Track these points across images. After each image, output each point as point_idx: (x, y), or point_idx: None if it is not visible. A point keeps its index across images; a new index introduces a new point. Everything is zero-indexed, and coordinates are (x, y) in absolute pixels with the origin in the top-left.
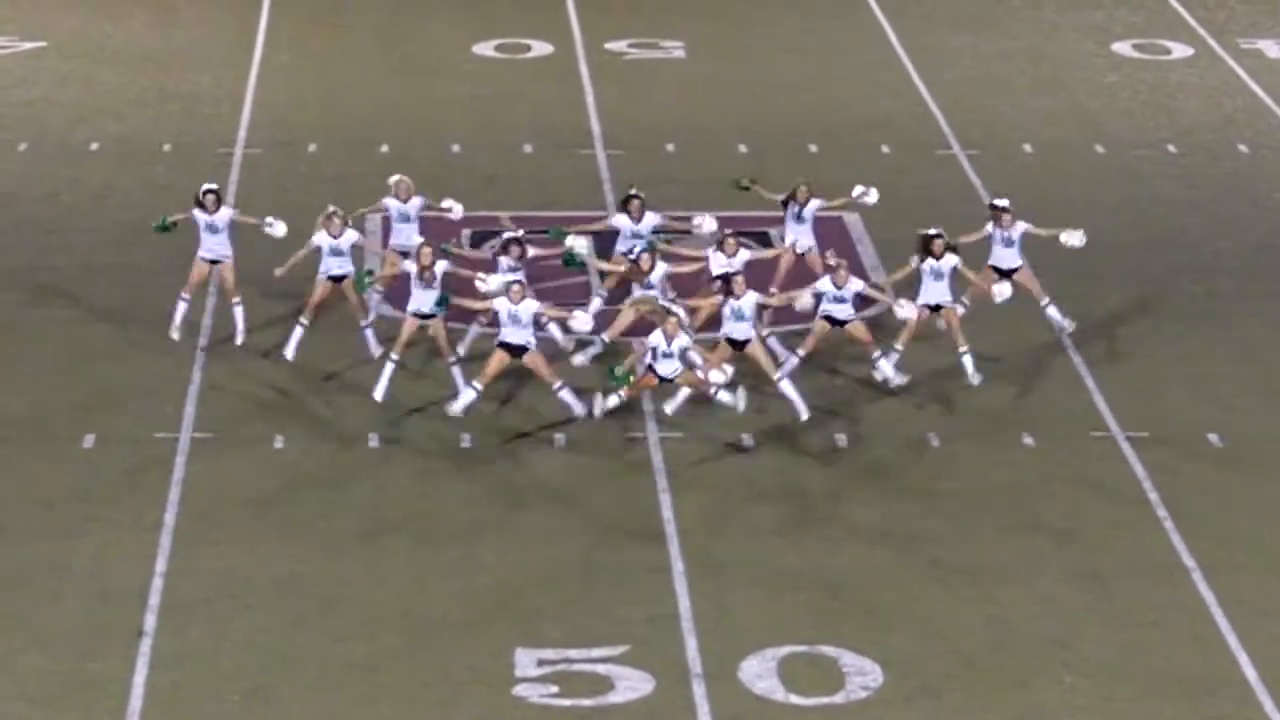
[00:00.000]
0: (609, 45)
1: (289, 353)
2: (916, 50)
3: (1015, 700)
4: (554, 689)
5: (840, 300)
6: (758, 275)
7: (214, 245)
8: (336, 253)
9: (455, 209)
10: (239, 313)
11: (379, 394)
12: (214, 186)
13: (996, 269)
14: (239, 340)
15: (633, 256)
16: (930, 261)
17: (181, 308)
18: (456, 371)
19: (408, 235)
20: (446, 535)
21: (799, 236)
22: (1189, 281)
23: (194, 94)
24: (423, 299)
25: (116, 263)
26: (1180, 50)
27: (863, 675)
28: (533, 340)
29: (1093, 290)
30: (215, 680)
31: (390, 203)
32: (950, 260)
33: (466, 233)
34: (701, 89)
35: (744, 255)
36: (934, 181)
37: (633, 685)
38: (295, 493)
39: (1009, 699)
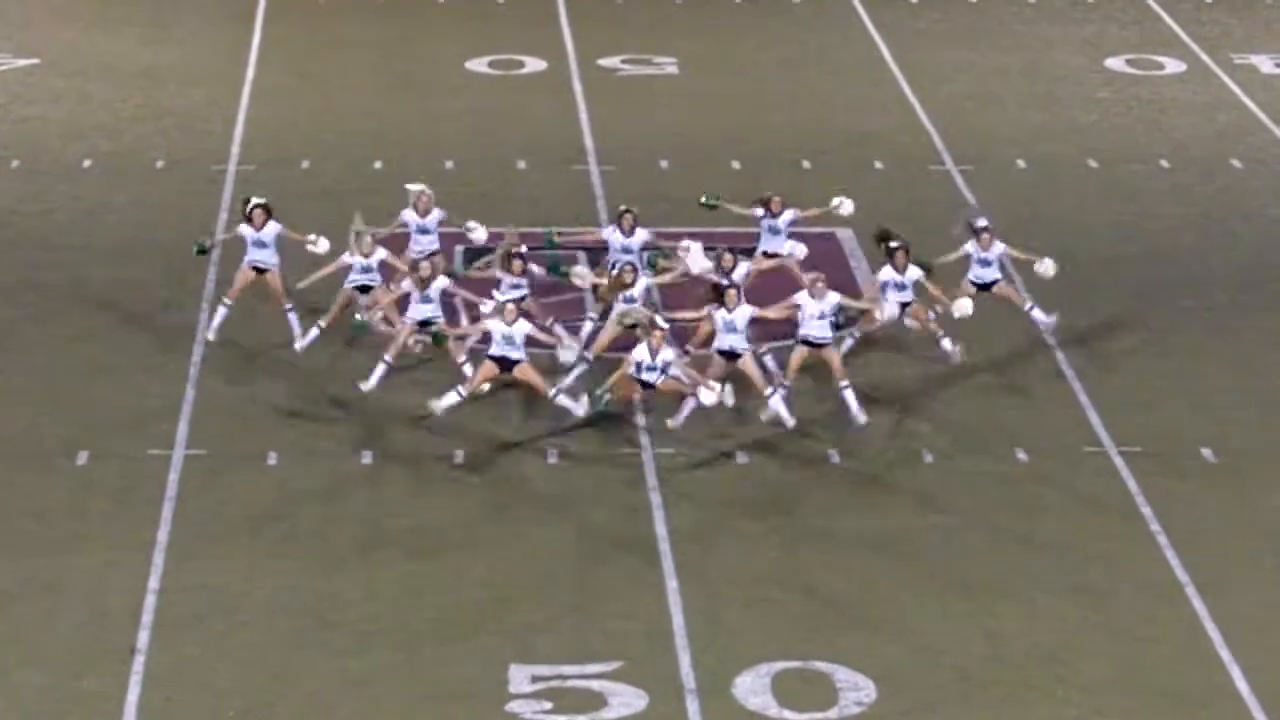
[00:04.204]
0: (602, 61)
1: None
2: (910, 66)
3: (1010, 715)
4: (547, 705)
5: (821, 317)
6: (758, 291)
7: (261, 255)
8: (366, 270)
9: (478, 231)
10: (293, 318)
11: (368, 386)
12: (262, 201)
13: (974, 284)
14: (297, 346)
15: (614, 270)
16: (892, 273)
17: (221, 313)
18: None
19: (425, 247)
20: (440, 549)
21: (778, 248)
22: (1182, 296)
23: (187, 111)
24: (422, 309)
25: (110, 279)
26: (1173, 65)
27: (856, 690)
28: (523, 355)
29: (1085, 304)
30: (210, 697)
31: (409, 216)
32: (913, 273)
33: (460, 249)
34: (695, 105)
35: (742, 269)
36: (927, 197)
37: (626, 701)
38: (289, 508)
39: (1003, 714)
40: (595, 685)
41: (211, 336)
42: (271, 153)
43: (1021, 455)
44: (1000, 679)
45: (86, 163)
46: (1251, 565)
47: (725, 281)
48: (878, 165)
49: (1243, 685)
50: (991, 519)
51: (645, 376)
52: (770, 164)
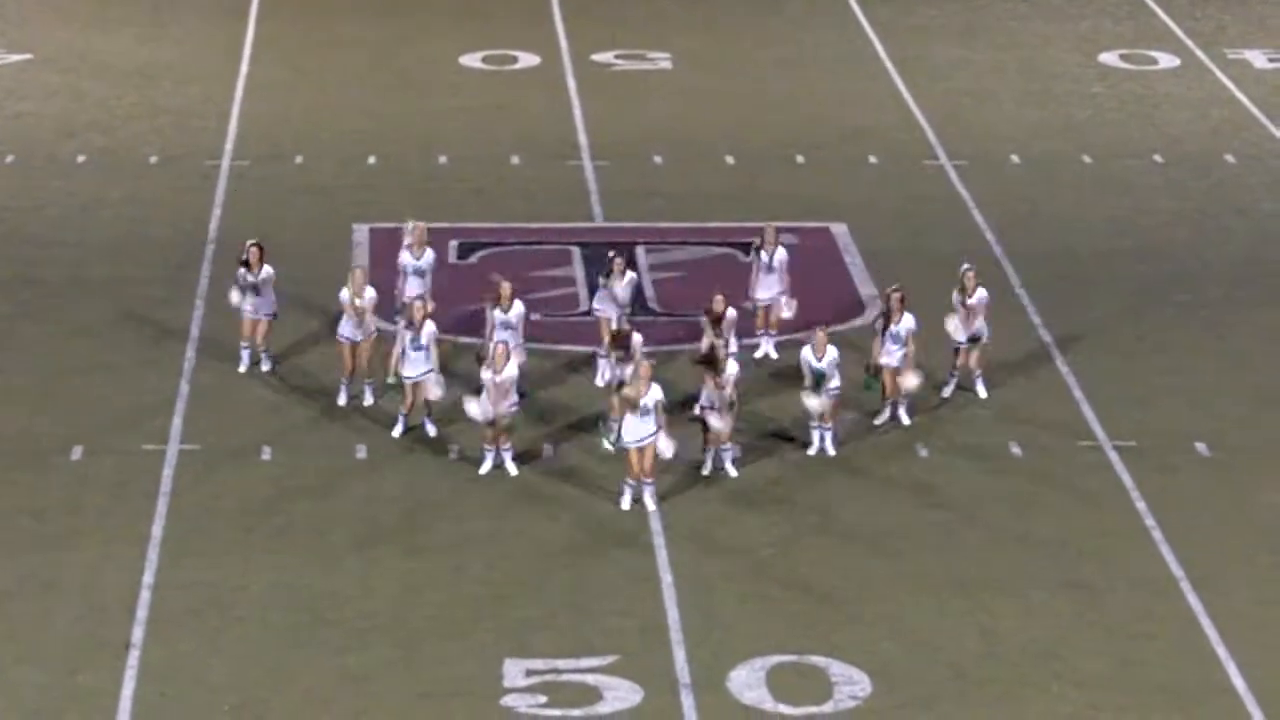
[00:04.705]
0: (596, 57)
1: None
2: (904, 62)
3: (1005, 711)
4: (542, 699)
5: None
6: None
7: (255, 301)
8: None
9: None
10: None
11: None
12: (257, 241)
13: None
14: (264, 367)
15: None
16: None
17: (245, 356)
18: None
19: (419, 290)
20: (436, 546)
21: (770, 288)
22: (1177, 291)
23: (181, 107)
24: (415, 360)
25: (104, 275)
26: (1167, 61)
27: (851, 685)
28: (514, 402)
29: (1080, 300)
30: (205, 693)
31: (404, 259)
32: (907, 322)
33: (454, 244)
34: (689, 101)
35: (731, 315)
36: (921, 193)
37: (621, 696)
38: (284, 504)
39: (999, 710)
40: (590, 679)
41: (242, 370)
42: (265, 148)
43: (1016, 450)
44: (996, 675)
45: (80, 159)
46: (1246, 561)
47: (716, 341)
48: (872, 160)
49: (1239, 681)
50: (987, 515)
51: (642, 427)
52: (764, 160)
